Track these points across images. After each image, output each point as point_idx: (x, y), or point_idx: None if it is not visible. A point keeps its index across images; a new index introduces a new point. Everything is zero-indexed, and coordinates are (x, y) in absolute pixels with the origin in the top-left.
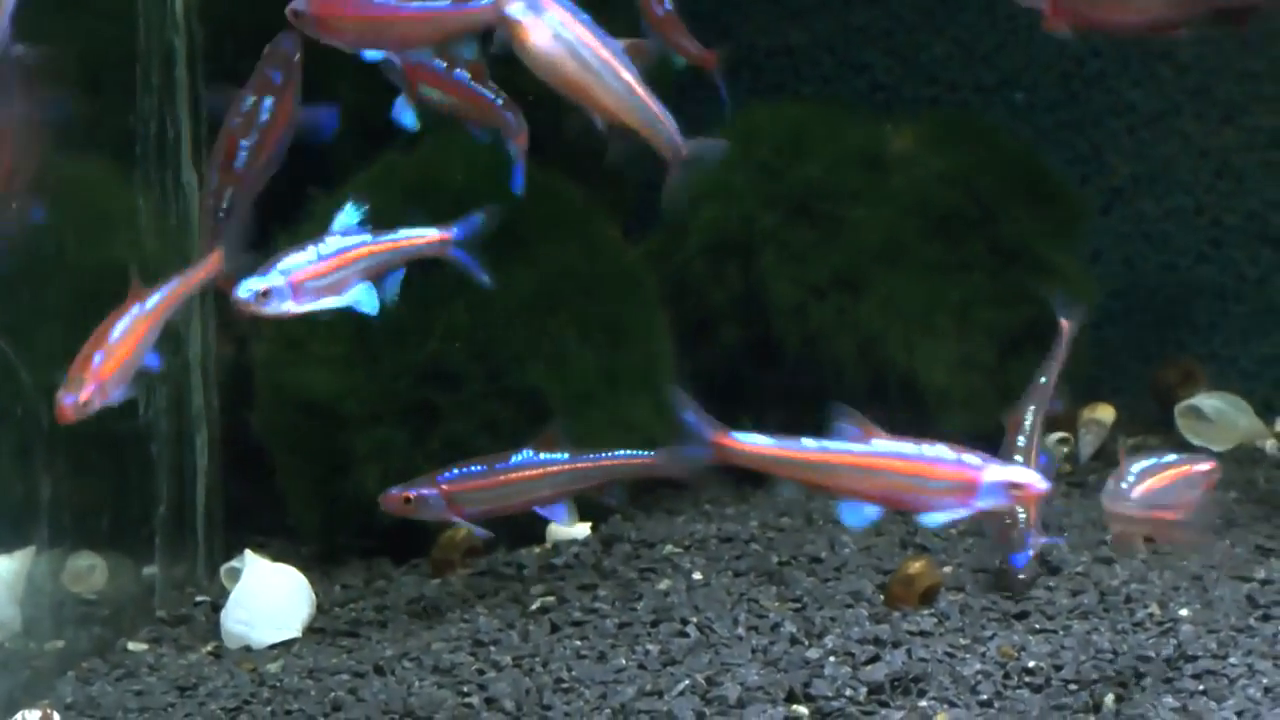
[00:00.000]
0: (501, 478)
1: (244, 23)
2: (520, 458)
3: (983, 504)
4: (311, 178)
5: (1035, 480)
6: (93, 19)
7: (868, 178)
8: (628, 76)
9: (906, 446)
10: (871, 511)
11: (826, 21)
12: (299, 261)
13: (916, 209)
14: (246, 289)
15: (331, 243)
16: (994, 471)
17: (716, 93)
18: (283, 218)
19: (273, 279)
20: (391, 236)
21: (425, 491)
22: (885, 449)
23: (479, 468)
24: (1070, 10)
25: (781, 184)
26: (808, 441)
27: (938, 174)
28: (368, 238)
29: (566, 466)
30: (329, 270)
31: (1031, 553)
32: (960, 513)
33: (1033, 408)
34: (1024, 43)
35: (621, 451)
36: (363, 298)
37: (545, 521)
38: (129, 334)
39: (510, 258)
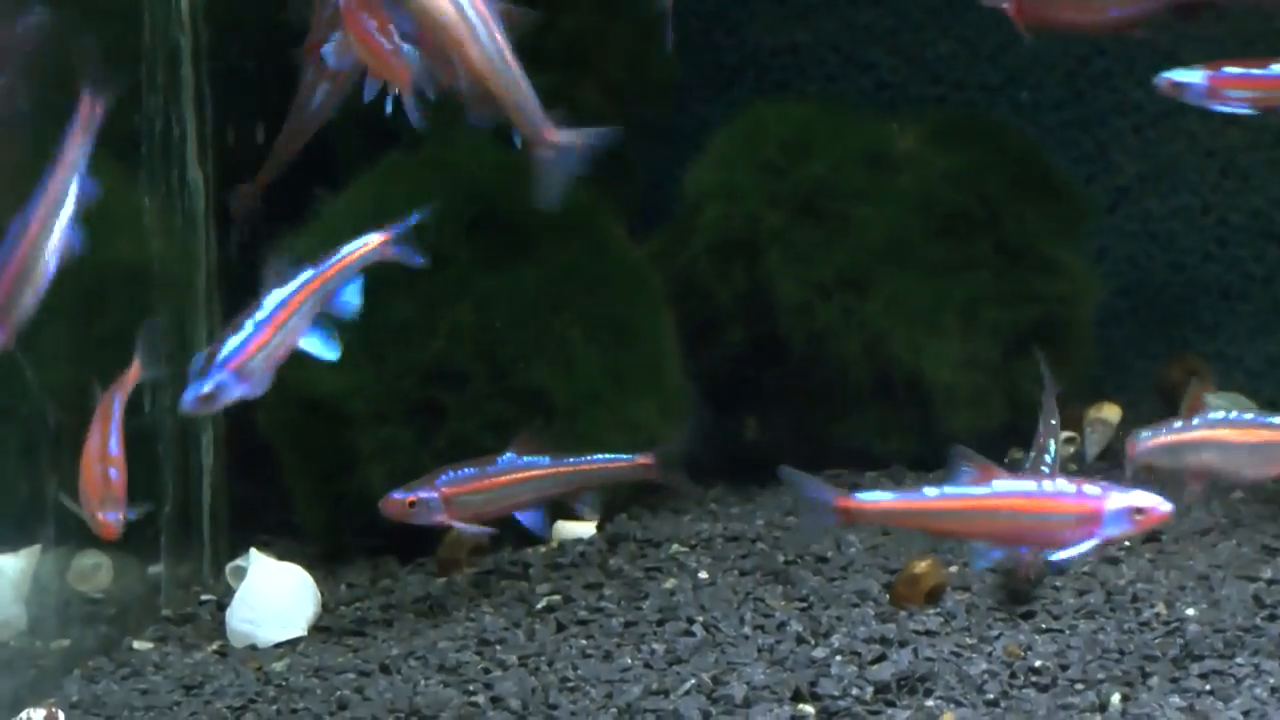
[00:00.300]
0: (496, 481)
1: (249, 21)
2: (507, 461)
3: (1108, 533)
4: (318, 178)
5: (1158, 504)
6: (98, 17)
7: (873, 177)
8: (501, 41)
9: (1027, 484)
10: (1000, 552)
11: (832, 20)
12: (236, 343)
13: (922, 208)
14: (190, 399)
15: (269, 303)
16: (1116, 499)
17: (726, 93)
18: (290, 219)
19: (213, 379)
20: (333, 259)
21: (425, 494)
22: (1006, 489)
23: (472, 471)
24: (1033, 10)
25: (787, 183)
26: (928, 490)
27: (943, 173)
28: (307, 274)
29: (556, 470)
30: (272, 333)
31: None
32: (1088, 544)
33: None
34: (1029, 42)
35: (605, 455)
36: (317, 346)
37: (551, 520)
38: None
39: (516, 257)
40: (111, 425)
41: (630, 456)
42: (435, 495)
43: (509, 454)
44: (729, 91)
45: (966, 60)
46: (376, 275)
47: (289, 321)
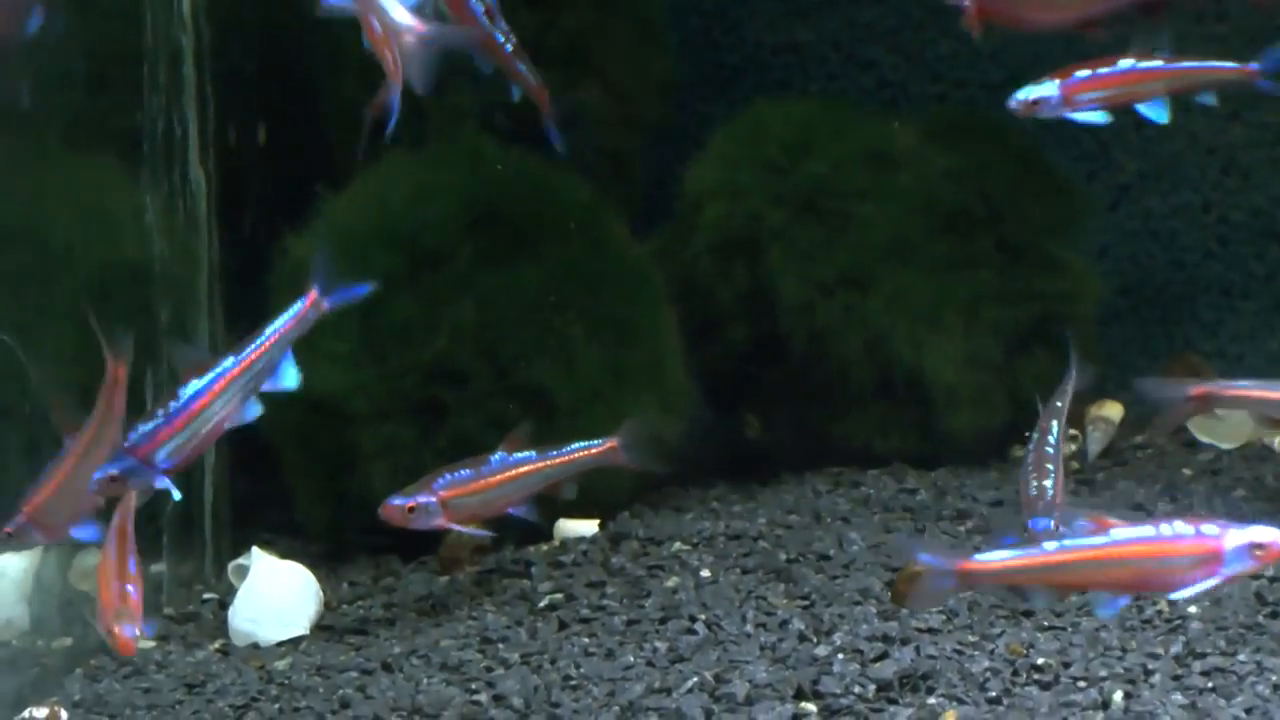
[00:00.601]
0: (490, 481)
1: (251, 21)
2: (499, 461)
3: (1230, 571)
4: (319, 176)
5: (1278, 537)
6: (100, 17)
7: (875, 175)
8: None
9: (1144, 530)
10: (1124, 599)
11: (833, 19)
12: (148, 428)
13: (924, 206)
14: (94, 479)
15: (186, 392)
16: (1235, 536)
17: (727, 91)
18: (291, 217)
19: (116, 463)
20: (259, 341)
21: (424, 499)
22: (1124, 537)
23: (467, 473)
24: (992, 8)
25: (788, 181)
26: (1048, 545)
27: (944, 171)
28: (227, 362)
29: (544, 465)
30: (185, 422)
31: (1052, 522)
32: (1210, 583)
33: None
34: (1030, 39)
35: (578, 444)
36: (283, 378)
37: (553, 518)
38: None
39: (518, 255)
40: (129, 542)
41: (599, 442)
42: (434, 500)
43: (499, 453)
44: (730, 90)
45: (968, 58)
46: (378, 275)
47: (206, 410)
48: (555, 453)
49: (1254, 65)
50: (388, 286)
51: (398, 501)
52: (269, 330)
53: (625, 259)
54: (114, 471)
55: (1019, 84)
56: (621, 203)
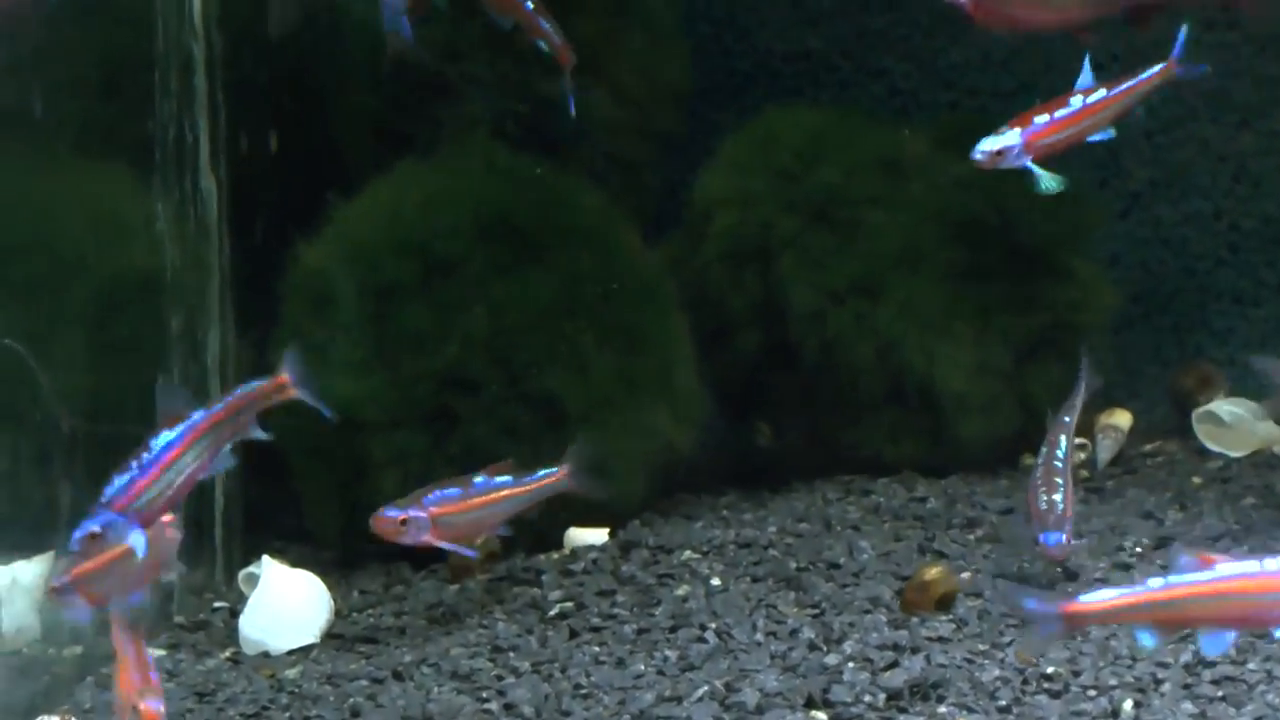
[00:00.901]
0: (475, 502)
1: (262, 29)
2: (482, 483)
3: None
4: (330, 183)
5: None
6: (111, 25)
7: (886, 183)
8: None
9: (1249, 565)
10: (1231, 636)
11: (844, 27)
12: (120, 484)
13: (935, 214)
14: (75, 537)
15: (156, 444)
16: None
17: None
18: (302, 224)
19: (95, 520)
20: (228, 399)
21: (415, 513)
22: (1230, 572)
23: (456, 492)
24: (991, 8)
25: (800, 189)
26: (1153, 582)
27: (956, 179)
28: (197, 415)
29: (520, 490)
30: (160, 473)
31: (1065, 536)
32: None
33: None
34: (1041, 47)
35: (542, 471)
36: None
37: (563, 526)
38: None
39: (529, 263)
40: (139, 634)
41: (551, 471)
42: (425, 515)
43: (481, 476)
44: (741, 98)
45: (979, 66)
46: (389, 283)
47: (177, 462)
48: (529, 479)
49: (1175, 54)
50: (399, 294)
51: (391, 513)
52: (241, 390)
53: (637, 267)
54: (94, 529)
55: (1031, 91)
56: (633, 210)
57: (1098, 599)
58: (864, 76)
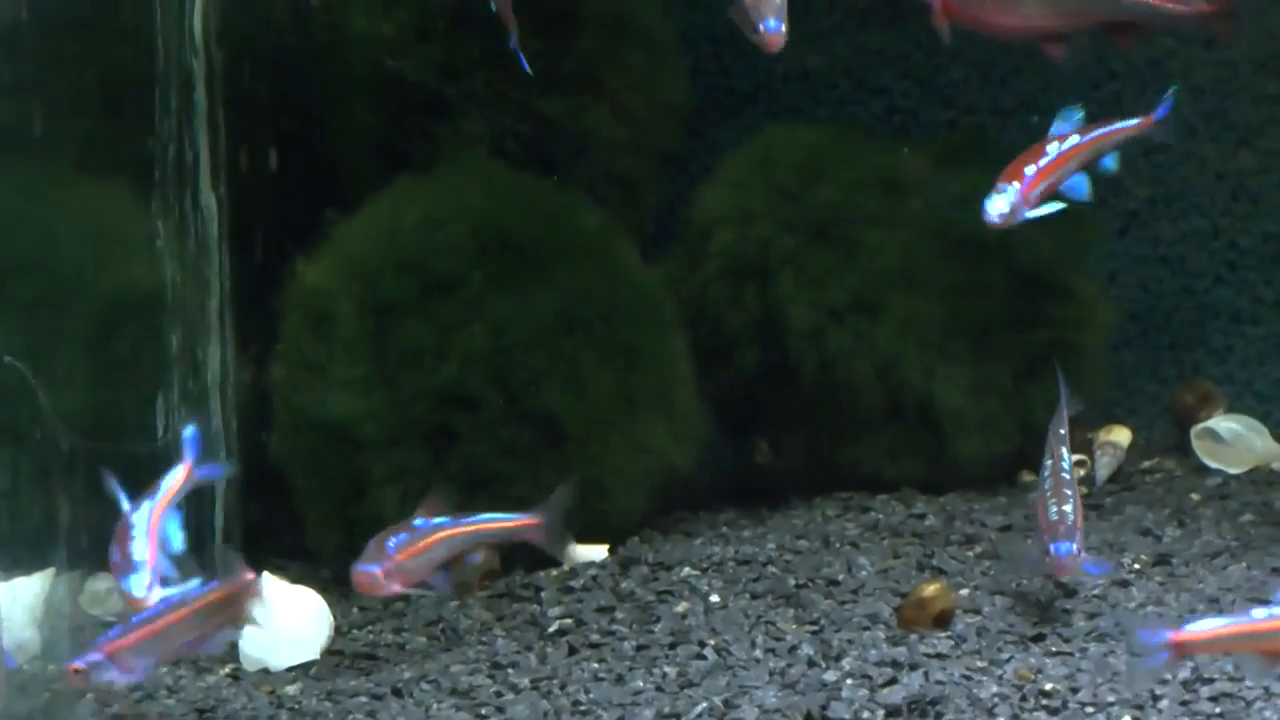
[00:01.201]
0: (426, 543)
1: (262, 46)
2: (424, 525)
3: None
4: (330, 201)
5: None
6: (112, 42)
7: (885, 201)
8: None
9: None
10: None
11: (843, 45)
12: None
13: (934, 232)
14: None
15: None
16: None
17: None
18: (302, 242)
19: (83, 658)
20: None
21: (389, 565)
22: None
23: (405, 536)
24: (957, 10)
25: (799, 207)
26: (1257, 612)
27: (955, 197)
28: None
29: (459, 531)
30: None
31: (1076, 546)
32: None
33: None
34: (1041, 65)
35: (501, 515)
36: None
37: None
38: None
39: (528, 280)
40: None
41: (520, 515)
42: (393, 564)
43: (419, 518)
44: (740, 115)
45: (978, 84)
46: (388, 301)
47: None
48: (476, 519)
49: (1157, 114)
50: (398, 312)
51: (371, 569)
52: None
53: (636, 284)
54: (80, 665)
55: (1030, 109)
56: (632, 228)
57: (1204, 628)
58: (863, 94)
